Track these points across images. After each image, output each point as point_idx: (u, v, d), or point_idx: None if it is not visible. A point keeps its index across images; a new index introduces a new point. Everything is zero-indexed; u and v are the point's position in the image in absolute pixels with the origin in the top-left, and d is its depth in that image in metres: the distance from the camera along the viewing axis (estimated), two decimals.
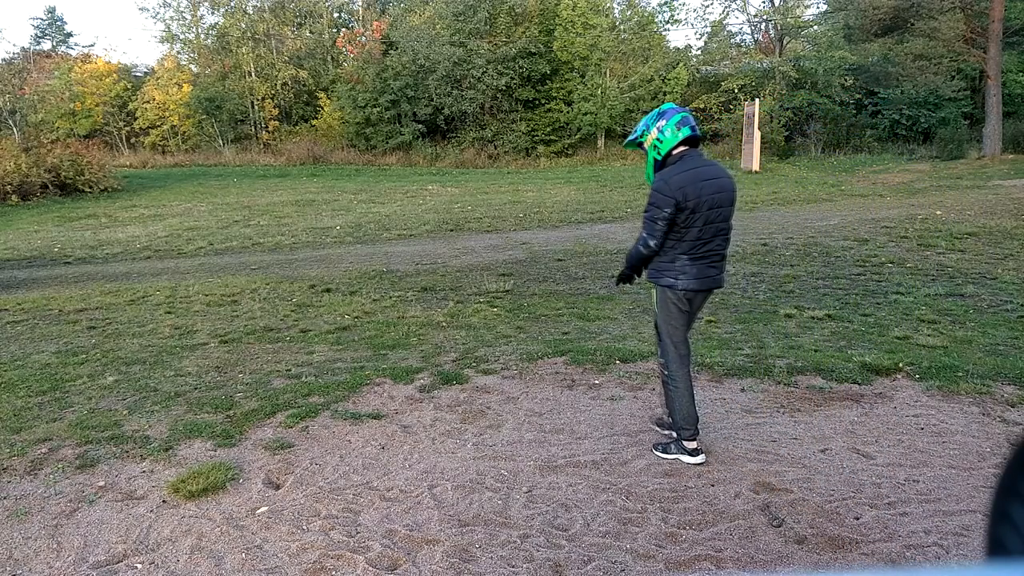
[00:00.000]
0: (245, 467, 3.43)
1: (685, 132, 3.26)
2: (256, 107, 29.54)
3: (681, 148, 3.30)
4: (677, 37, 71.55)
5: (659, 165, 3.35)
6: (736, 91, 25.50)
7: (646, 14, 28.66)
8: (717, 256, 3.32)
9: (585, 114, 26.21)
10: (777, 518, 2.87)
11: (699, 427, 3.42)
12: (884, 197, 15.27)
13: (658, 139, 3.30)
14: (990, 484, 2.69)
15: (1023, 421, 3.76)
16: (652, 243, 3.28)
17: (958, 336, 5.41)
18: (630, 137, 3.48)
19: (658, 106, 3.71)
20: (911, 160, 21.91)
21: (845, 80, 24.16)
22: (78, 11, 58.52)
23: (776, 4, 27.48)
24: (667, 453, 3.43)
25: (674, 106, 3.39)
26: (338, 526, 2.89)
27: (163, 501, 3.13)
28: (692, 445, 3.37)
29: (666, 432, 3.62)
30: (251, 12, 31.18)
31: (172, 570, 2.63)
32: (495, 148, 27.04)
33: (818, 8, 30.78)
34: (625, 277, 3.60)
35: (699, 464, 3.34)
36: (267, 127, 29.72)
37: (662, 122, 3.29)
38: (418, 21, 27.78)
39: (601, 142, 27.18)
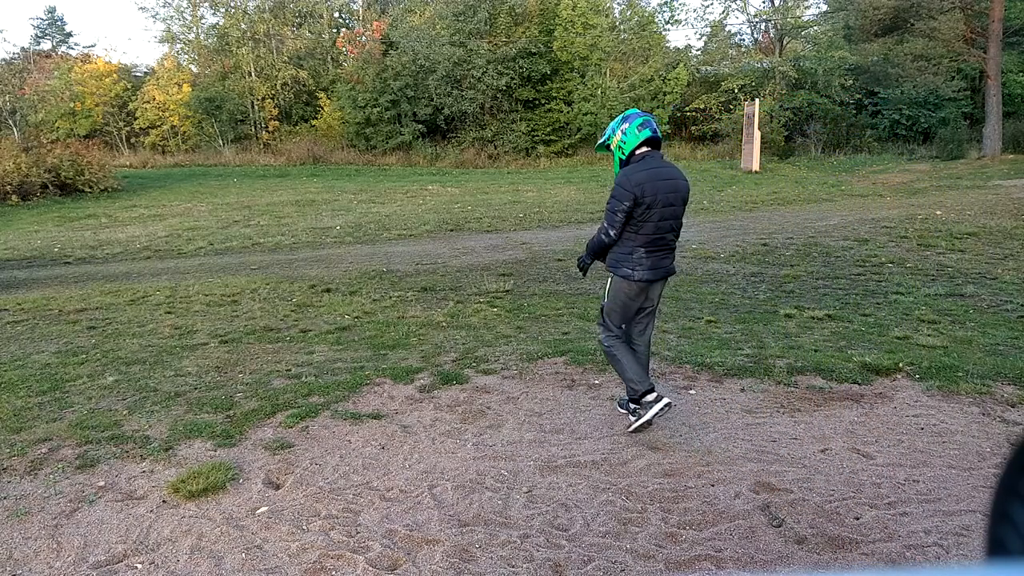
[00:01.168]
0: (245, 467, 3.43)
1: (646, 133, 3.59)
2: (256, 107, 29.51)
3: (643, 149, 3.63)
4: (677, 37, 71.58)
5: (624, 164, 3.68)
6: (736, 91, 25.50)
7: (646, 14, 28.64)
8: (669, 248, 3.70)
9: (585, 114, 26.20)
10: (777, 518, 2.87)
11: (653, 382, 3.74)
12: (884, 197, 15.27)
13: (622, 140, 3.64)
14: (990, 484, 2.70)
15: (1023, 421, 3.76)
16: (612, 232, 3.62)
17: (958, 336, 5.41)
18: (600, 141, 3.81)
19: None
20: (911, 160, 21.90)
21: (845, 80, 24.15)
22: (78, 11, 58.50)
23: (776, 4, 27.48)
24: (638, 420, 3.63)
25: (637, 111, 3.74)
26: (338, 526, 2.89)
27: (163, 501, 3.13)
28: (651, 397, 3.62)
29: (624, 411, 3.88)
30: (251, 12, 31.15)
31: (172, 570, 2.63)
32: (495, 148, 27.01)
33: (818, 8, 30.77)
34: (583, 264, 3.95)
35: (664, 407, 3.60)
36: (267, 127, 29.69)
37: (626, 125, 3.63)
38: (418, 21, 27.77)
39: None
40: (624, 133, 3.61)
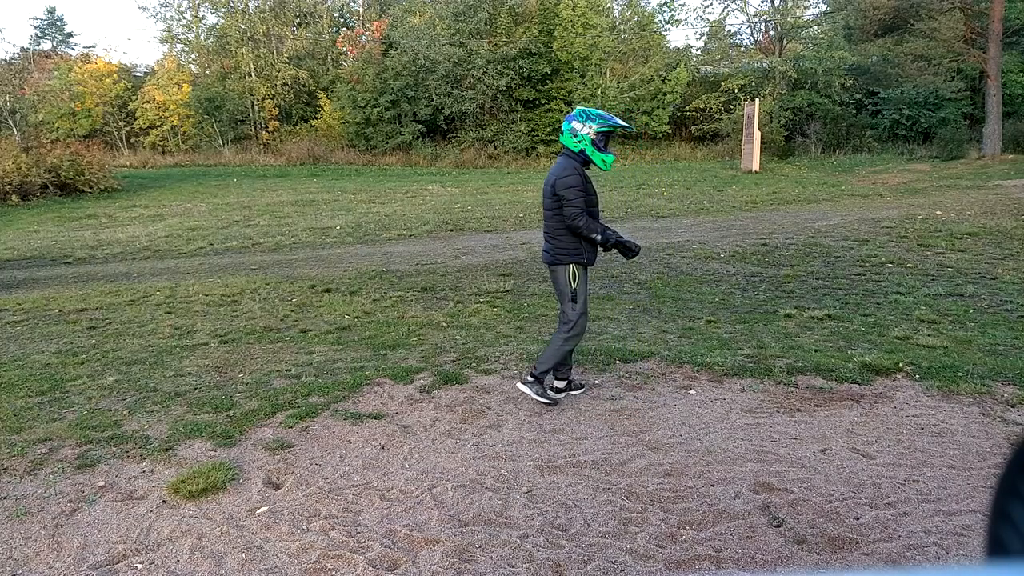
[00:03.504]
0: (245, 467, 3.43)
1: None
2: (256, 107, 29.50)
3: None
4: (677, 37, 71.47)
5: None
6: (736, 91, 25.50)
7: (646, 14, 28.66)
8: (546, 235, 4.12)
9: None
10: (777, 518, 2.87)
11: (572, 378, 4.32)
12: (884, 197, 15.27)
13: None
14: (990, 484, 2.70)
15: (1023, 421, 3.76)
16: None
17: (958, 336, 5.41)
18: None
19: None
20: (911, 160, 21.89)
21: (845, 80, 24.15)
22: (78, 11, 58.49)
23: (776, 4, 27.48)
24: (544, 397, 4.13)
25: (587, 113, 4.04)
26: (338, 526, 2.89)
27: (163, 501, 3.13)
28: (557, 385, 4.27)
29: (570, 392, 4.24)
30: (251, 12, 31.12)
31: (172, 570, 2.63)
32: (495, 148, 27.01)
33: (818, 8, 30.72)
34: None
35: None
36: (267, 127, 29.68)
37: None
38: (418, 21, 27.75)
39: None
40: None
